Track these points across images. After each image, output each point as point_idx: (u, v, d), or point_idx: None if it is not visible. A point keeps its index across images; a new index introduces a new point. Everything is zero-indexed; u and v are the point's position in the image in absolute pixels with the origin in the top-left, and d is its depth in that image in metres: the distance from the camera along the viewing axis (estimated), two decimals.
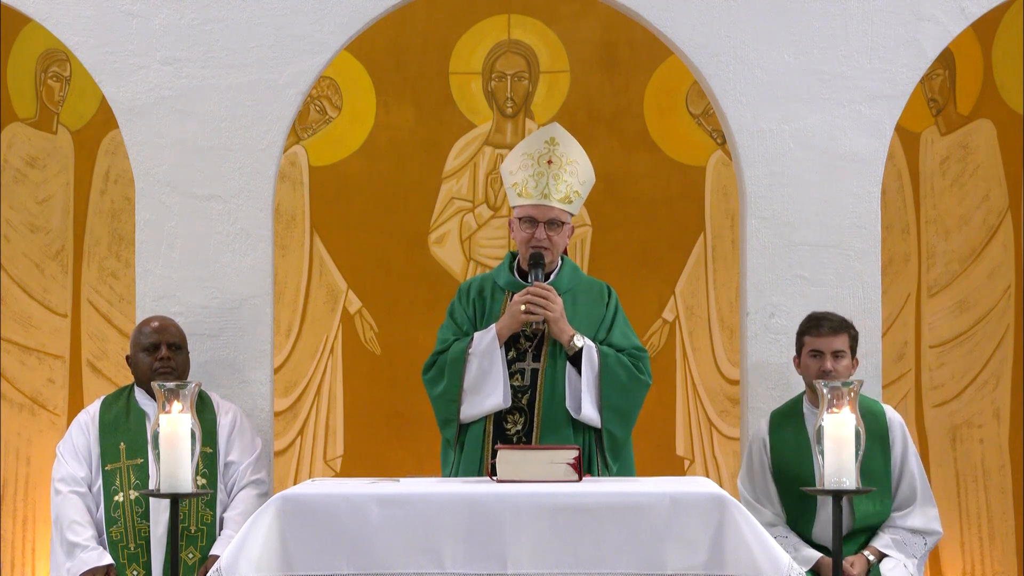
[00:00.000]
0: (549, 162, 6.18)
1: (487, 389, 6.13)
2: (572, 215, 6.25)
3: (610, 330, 6.23)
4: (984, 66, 8.53)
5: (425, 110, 9.11)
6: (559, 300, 6.12)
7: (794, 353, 6.54)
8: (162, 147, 6.84)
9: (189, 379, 6.47)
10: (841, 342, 6.40)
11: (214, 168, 6.85)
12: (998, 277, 8.57)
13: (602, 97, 9.09)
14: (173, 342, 6.52)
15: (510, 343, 6.18)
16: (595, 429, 6.16)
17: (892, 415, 6.50)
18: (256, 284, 6.85)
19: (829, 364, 6.35)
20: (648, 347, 9.08)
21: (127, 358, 6.60)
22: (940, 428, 8.69)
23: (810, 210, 6.85)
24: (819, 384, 5.37)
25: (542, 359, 6.17)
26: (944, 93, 8.72)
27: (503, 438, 6.14)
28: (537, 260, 6.16)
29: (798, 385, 6.69)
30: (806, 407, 6.47)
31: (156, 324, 6.54)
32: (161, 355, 6.47)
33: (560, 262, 6.28)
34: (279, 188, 7.76)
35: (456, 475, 6.18)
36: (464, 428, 6.19)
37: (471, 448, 6.18)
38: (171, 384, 5.35)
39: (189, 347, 6.60)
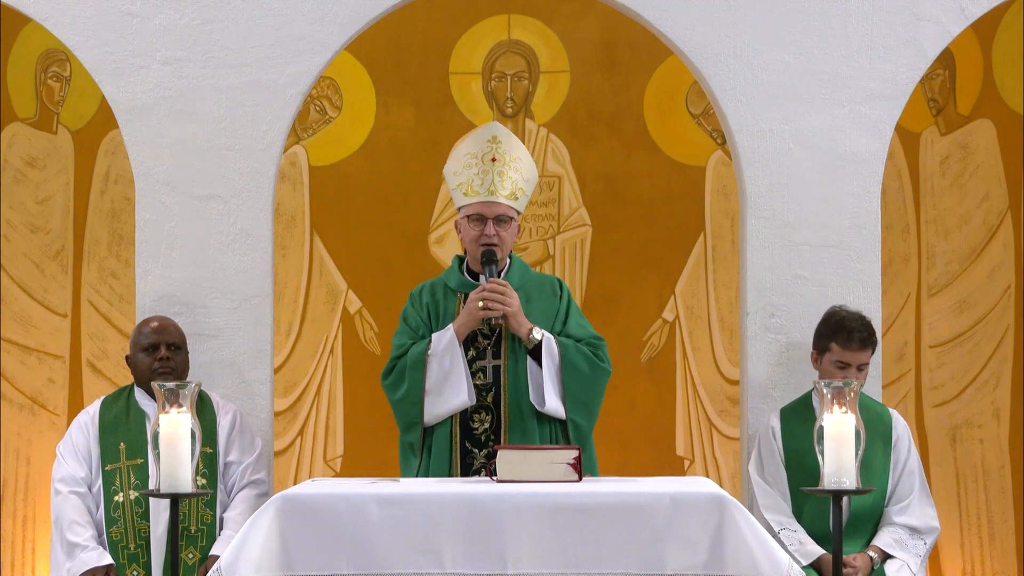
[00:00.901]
0: (493, 160, 6.21)
1: (450, 389, 6.14)
2: (519, 212, 6.27)
3: (565, 322, 6.25)
4: (984, 66, 8.53)
5: (425, 110, 9.11)
6: (515, 294, 6.14)
7: (812, 349, 6.50)
8: (162, 147, 6.84)
9: (189, 379, 6.47)
10: (868, 354, 6.40)
11: (214, 168, 6.85)
12: (998, 277, 8.56)
13: (602, 97, 9.09)
14: (173, 342, 6.52)
15: (469, 342, 6.19)
16: (560, 421, 6.17)
17: (898, 419, 6.51)
18: (256, 284, 6.85)
19: (853, 377, 6.34)
20: (648, 347, 9.10)
21: (127, 358, 6.60)
22: (940, 428, 8.69)
23: (810, 210, 6.85)
24: (819, 384, 5.37)
25: (503, 355, 6.19)
26: (944, 93, 8.72)
27: (471, 438, 6.15)
28: (490, 257, 6.19)
29: (797, 385, 6.69)
30: (815, 400, 6.47)
31: (155, 324, 6.54)
32: (161, 355, 6.47)
33: (509, 260, 6.31)
34: (279, 188, 7.76)
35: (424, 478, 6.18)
36: (429, 431, 6.20)
37: (439, 450, 6.18)
38: (171, 384, 5.34)
39: (189, 347, 6.60)
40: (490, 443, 6.13)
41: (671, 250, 9.10)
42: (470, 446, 6.14)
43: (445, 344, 6.14)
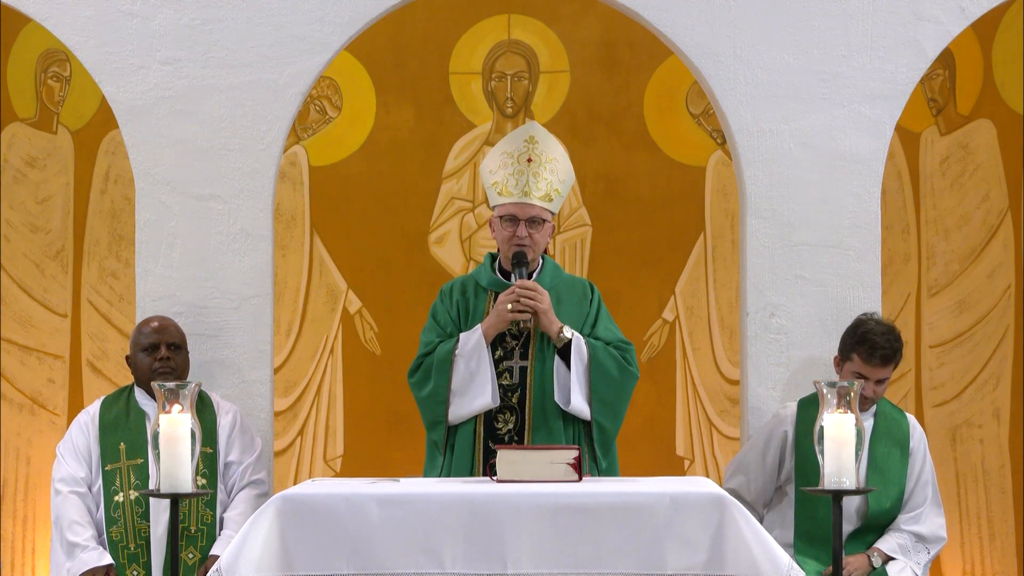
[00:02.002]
0: (529, 160, 6.18)
1: (475, 390, 6.12)
2: (553, 213, 6.25)
3: (595, 325, 6.23)
4: (984, 66, 8.53)
5: (425, 110, 9.11)
6: (547, 293, 6.12)
7: (835, 353, 6.49)
8: (162, 147, 6.84)
9: (189, 379, 6.47)
10: (888, 371, 6.36)
11: (214, 168, 6.85)
12: (998, 277, 8.56)
13: (602, 97, 9.09)
14: (173, 342, 6.51)
15: (497, 342, 6.17)
16: (585, 424, 6.15)
17: (916, 427, 6.51)
18: (256, 284, 6.85)
19: (870, 391, 6.33)
20: (648, 347, 9.09)
21: (127, 358, 6.60)
22: (940, 428, 8.69)
23: (810, 210, 6.85)
24: (819, 384, 5.37)
25: (530, 356, 6.16)
26: (944, 93, 8.72)
27: (494, 437, 6.13)
28: (520, 259, 6.16)
29: (798, 384, 6.69)
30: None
31: (155, 324, 6.54)
32: (161, 355, 6.47)
33: (541, 261, 6.28)
34: (279, 188, 7.76)
35: (447, 476, 6.17)
36: (453, 429, 6.18)
37: (462, 449, 6.16)
38: (171, 384, 5.34)
39: (189, 347, 6.60)
40: (513, 443, 6.11)
41: (671, 250, 9.09)
42: (493, 446, 6.12)
43: (473, 344, 6.12)
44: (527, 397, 6.14)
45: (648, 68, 9.06)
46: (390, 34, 8.92)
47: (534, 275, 6.24)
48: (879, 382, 6.37)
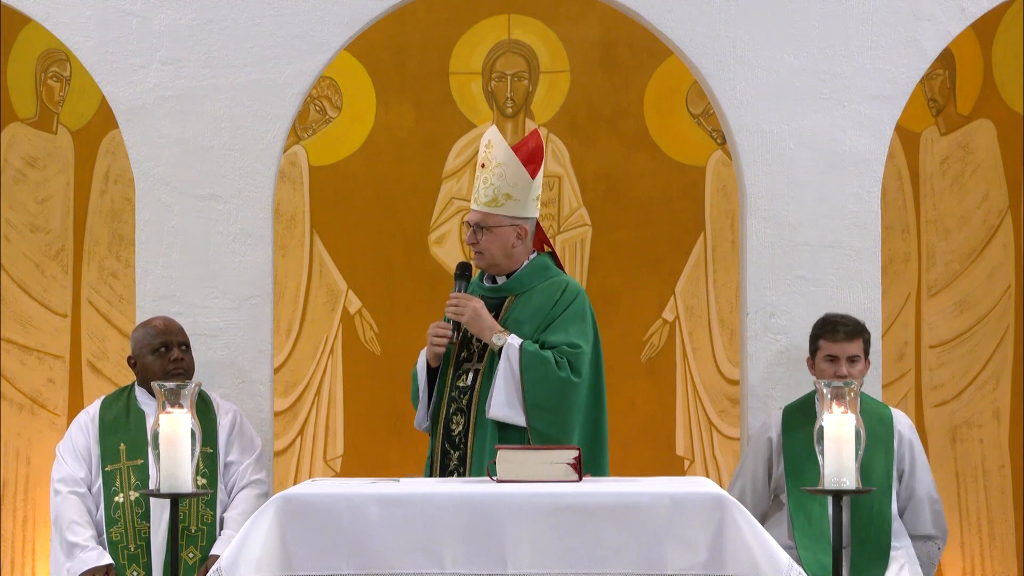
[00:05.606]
0: (482, 165, 6.18)
1: (420, 408, 6.28)
2: (511, 217, 6.15)
3: (548, 328, 6.15)
4: (984, 66, 8.53)
5: (425, 110, 9.11)
6: (472, 303, 6.09)
7: (807, 355, 6.53)
8: (162, 147, 6.85)
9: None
10: (856, 347, 6.39)
11: (214, 168, 6.85)
12: (998, 277, 8.57)
13: (602, 97, 9.09)
14: (183, 341, 6.52)
15: (463, 344, 6.18)
16: (526, 430, 6.10)
17: (900, 419, 6.49)
18: (256, 284, 6.85)
19: (844, 369, 6.35)
20: (648, 347, 9.09)
21: (129, 360, 6.58)
22: (940, 428, 8.69)
23: (810, 210, 6.86)
24: (819, 384, 5.37)
25: (484, 360, 6.16)
26: (944, 93, 8.72)
27: (449, 439, 6.16)
28: (462, 270, 6.19)
29: (797, 385, 6.69)
30: (819, 406, 6.47)
31: (161, 325, 6.53)
32: (175, 356, 6.46)
33: (528, 259, 6.24)
34: (279, 188, 7.76)
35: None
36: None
37: (429, 448, 6.24)
38: (171, 384, 5.33)
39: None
40: (463, 446, 6.12)
41: (671, 250, 9.09)
42: (448, 447, 6.15)
43: (420, 370, 6.25)
44: (473, 400, 6.14)
45: (648, 68, 9.06)
46: (390, 34, 8.92)
47: (515, 274, 6.22)
48: (851, 361, 6.39)
